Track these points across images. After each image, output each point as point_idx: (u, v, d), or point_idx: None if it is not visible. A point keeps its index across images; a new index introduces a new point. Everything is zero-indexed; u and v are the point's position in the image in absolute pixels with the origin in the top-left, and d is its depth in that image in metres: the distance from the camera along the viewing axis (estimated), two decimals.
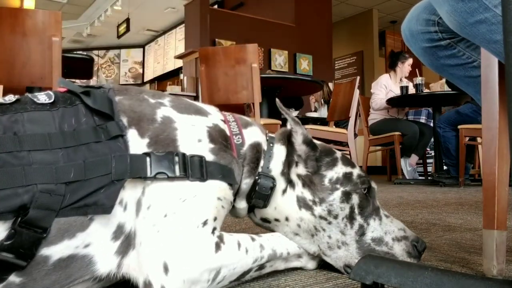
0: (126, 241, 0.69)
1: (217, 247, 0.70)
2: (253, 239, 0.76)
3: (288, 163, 0.88)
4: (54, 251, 0.65)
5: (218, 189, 0.76)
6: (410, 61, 4.97)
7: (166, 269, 0.66)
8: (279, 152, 0.88)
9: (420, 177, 5.16)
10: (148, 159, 0.69)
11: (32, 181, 0.62)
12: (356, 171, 0.90)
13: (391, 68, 5.11)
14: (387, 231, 0.87)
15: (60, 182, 0.63)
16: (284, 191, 0.87)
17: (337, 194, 0.86)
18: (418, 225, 1.57)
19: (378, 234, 0.87)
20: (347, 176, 0.88)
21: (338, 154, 0.92)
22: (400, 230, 0.89)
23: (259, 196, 0.84)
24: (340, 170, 0.89)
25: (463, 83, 1.01)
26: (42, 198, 0.62)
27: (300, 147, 0.87)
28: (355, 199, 0.87)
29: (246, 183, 0.84)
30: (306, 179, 0.87)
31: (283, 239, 0.83)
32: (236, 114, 0.90)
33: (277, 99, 0.92)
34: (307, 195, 0.86)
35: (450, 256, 1.05)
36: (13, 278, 0.63)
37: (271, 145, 0.88)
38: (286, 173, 0.87)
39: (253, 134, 0.87)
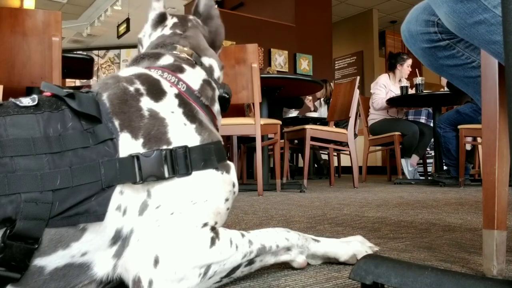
0: (122, 244, 0.69)
1: (212, 242, 0.70)
2: (242, 235, 0.77)
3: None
4: (49, 261, 0.63)
5: (225, 189, 0.79)
6: (409, 62, 4.97)
7: (156, 262, 0.65)
8: (211, 62, 1.00)
9: (420, 177, 5.16)
10: (136, 162, 0.68)
11: (15, 190, 0.59)
12: None
13: (390, 70, 5.11)
14: None
15: (46, 190, 0.61)
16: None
17: None
18: (418, 225, 1.57)
19: None
20: None
21: None
22: None
23: (228, 100, 0.98)
24: None
25: (463, 83, 1.01)
26: (27, 208, 0.59)
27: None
28: None
29: (217, 108, 0.94)
30: None
31: (271, 234, 0.83)
32: (162, 68, 0.88)
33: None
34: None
35: (450, 256, 1.05)
36: None
37: (199, 58, 0.96)
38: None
39: (192, 74, 0.90)
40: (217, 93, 0.96)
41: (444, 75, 1.03)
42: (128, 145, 0.70)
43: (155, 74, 0.85)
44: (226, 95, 0.97)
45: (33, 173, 0.61)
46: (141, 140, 0.71)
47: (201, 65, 0.96)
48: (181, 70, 0.89)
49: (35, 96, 0.71)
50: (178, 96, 0.82)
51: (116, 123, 0.71)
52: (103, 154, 0.67)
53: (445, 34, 0.94)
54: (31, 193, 0.60)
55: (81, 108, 0.69)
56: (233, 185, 0.82)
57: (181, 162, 0.72)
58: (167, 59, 0.91)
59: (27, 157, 0.62)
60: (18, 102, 0.69)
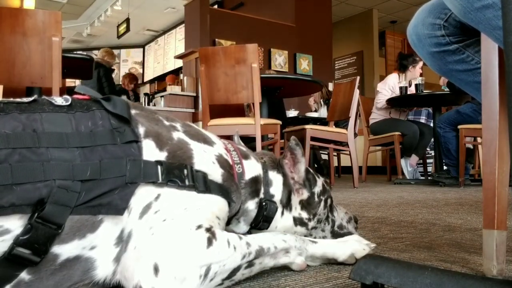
0: (122, 248, 0.70)
1: (209, 242, 0.71)
2: (240, 238, 0.77)
3: (288, 190, 0.97)
4: (64, 250, 0.66)
5: (219, 207, 0.80)
6: (421, 64, 4.88)
7: (156, 270, 0.66)
8: (276, 179, 0.96)
9: (421, 177, 5.16)
10: (160, 167, 0.72)
11: (50, 177, 0.64)
12: (322, 179, 1.06)
13: (400, 70, 4.99)
14: (342, 217, 1.09)
15: (77, 180, 0.65)
16: (282, 213, 0.97)
17: (322, 205, 1.03)
18: (418, 225, 1.57)
19: (339, 222, 1.08)
20: (323, 186, 1.04)
21: (308, 168, 1.03)
22: (346, 214, 1.11)
23: (266, 219, 0.93)
24: (319, 183, 1.04)
25: (472, 88, 1.00)
26: (59, 193, 0.63)
27: (300, 175, 0.98)
28: (329, 202, 1.05)
29: (251, 209, 0.91)
30: (305, 202, 1.00)
31: (268, 236, 0.84)
32: (235, 144, 0.97)
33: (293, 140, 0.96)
34: (304, 215, 1.00)
35: (450, 256, 1.05)
36: (24, 275, 0.64)
37: (265, 171, 0.96)
38: (284, 199, 0.96)
39: (252, 165, 0.94)
40: (261, 191, 0.93)
41: (453, 80, 1.01)
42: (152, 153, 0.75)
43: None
44: (264, 205, 0.92)
45: (66, 164, 0.66)
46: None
47: (265, 169, 0.96)
48: (247, 157, 0.94)
49: (68, 97, 0.76)
50: (225, 157, 0.87)
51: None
52: (129, 153, 0.71)
53: (452, 36, 0.93)
54: (63, 180, 0.64)
55: (115, 110, 0.75)
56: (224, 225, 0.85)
57: (201, 182, 0.77)
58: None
59: (61, 149, 0.67)
60: (52, 101, 0.74)
